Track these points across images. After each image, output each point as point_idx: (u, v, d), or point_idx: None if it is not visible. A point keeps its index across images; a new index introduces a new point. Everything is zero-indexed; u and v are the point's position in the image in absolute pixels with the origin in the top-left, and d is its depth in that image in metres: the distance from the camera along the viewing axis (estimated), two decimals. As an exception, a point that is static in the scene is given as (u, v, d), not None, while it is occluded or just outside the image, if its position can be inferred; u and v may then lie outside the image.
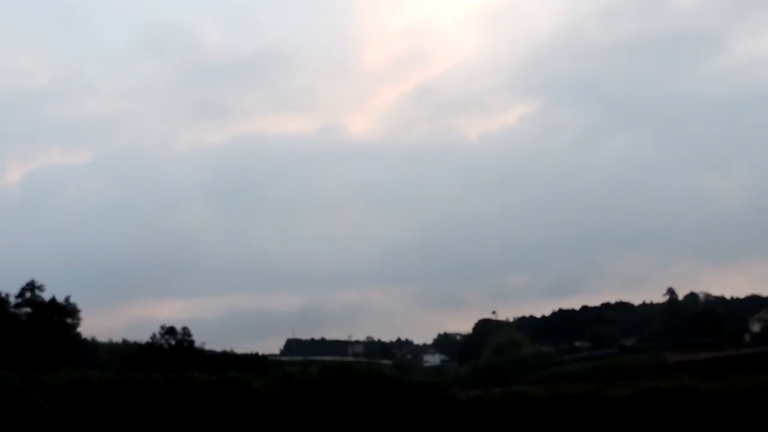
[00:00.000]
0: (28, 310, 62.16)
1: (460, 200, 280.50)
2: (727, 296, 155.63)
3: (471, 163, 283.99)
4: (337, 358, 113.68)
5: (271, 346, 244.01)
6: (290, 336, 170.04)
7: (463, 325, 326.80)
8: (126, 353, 69.60)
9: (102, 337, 70.79)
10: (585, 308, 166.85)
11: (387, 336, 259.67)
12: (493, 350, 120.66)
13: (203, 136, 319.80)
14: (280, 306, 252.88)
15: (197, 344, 75.08)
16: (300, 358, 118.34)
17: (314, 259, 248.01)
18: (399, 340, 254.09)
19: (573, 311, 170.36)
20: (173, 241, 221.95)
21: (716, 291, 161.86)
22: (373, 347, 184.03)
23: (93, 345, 59.12)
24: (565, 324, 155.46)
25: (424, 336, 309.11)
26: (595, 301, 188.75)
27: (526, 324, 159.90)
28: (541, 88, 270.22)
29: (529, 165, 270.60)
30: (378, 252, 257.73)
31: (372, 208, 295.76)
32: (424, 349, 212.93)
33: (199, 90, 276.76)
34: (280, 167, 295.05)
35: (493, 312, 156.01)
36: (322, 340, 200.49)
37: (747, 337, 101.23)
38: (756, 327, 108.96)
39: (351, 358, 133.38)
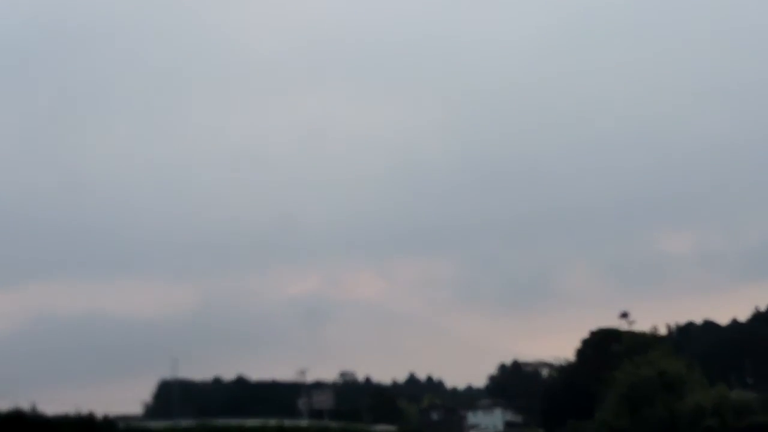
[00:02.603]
0: None
1: (551, 54, 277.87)
2: None
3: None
4: (271, 422, 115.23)
5: (127, 396, 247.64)
6: (167, 375, 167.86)
7: (552, 343, 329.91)
8: None
9: None
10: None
11: (385, 371, 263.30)
12: (624, 396, 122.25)
13: None
14: (145, 309, 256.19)
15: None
16: (189, 421, 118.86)
17: (218, 206, 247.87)
18: (414, 379, 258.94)
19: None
20: None
21: None
22: (354, 394, 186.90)
23: None
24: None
25: (468, 370, 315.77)
26: None
27: (694, 339, 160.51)
28: None
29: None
30: (364, 180, 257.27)
31: (355, 83, 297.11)
32: (470, 397, 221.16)
33: None
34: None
35: (623, 315, 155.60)
36: (240, 380, 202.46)
37: None
38: None
39: (304, 421, 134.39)
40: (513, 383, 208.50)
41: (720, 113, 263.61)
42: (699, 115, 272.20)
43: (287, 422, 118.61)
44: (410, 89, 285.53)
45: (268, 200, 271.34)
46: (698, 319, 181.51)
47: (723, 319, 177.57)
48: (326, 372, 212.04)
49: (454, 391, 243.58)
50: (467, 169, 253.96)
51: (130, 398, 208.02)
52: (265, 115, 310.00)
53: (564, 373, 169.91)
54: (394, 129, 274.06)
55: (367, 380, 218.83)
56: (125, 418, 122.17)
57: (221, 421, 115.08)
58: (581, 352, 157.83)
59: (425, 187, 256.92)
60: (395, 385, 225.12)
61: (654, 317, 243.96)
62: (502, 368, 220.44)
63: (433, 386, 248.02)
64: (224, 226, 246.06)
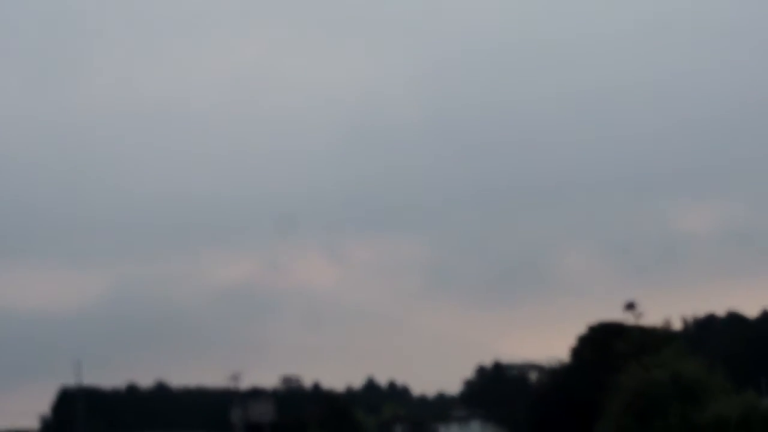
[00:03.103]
0: None
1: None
2: None
3: None
4: None
5: (20, 407, 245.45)
6: (70, 382, 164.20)
7: (543, 341, 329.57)
8: None
9: None
10: None
11: (338, 376, 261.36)
12: (630, 406, 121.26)
13: None
14: (42, 301, 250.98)
15: None
16: None
17: (131, 175, 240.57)
18: (373, 385, 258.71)
19: None
20: None
21: None
22: (300, 404, 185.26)
23: None
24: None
25: (440, 374, 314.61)
26: None
27: (716, 335, 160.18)
28: None
29: None
30: (313, 143, 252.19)
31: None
32: (441, 407, 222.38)
33: None
34: None
35: (630, 306, 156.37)
36: (160, 388, 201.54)
37: None
38: None
39: None
40: (494, 390, 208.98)
41: (747, 63, 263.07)
42: (721, 65, 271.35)
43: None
44: (372, 32, 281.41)
45: (192, 168, 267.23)
46: (721, 311, 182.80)
47: (751, 311, 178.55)
48: (265, 377, 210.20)
49: (423, 400, 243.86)
50: (441, 131, 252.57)
51: (23, 410, 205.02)
52: (187, 64, 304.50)
53: (556, 377, 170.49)
54: (350, 82, 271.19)
55: (316, 387, 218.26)
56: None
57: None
58: (577, 352, 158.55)
59: (389, 151, 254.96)
60: (350, 393, 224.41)
61: (667, 309, 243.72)
62: (481, 371, 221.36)
63: (397, 394, 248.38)
64: (138, 200, 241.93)
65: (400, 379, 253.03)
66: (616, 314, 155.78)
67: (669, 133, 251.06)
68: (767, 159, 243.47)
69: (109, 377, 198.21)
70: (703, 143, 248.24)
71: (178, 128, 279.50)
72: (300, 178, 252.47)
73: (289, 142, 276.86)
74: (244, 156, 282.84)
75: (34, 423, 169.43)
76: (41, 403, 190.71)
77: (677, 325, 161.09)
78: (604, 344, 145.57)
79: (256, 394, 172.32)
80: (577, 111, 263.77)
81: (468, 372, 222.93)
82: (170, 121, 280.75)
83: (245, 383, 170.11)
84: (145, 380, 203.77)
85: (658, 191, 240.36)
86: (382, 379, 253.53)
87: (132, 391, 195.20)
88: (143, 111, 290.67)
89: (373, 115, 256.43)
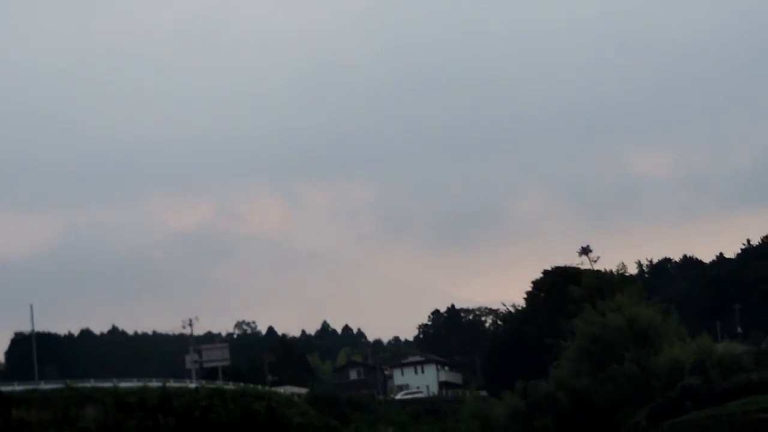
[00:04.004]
0: None
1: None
2: None
3: None
4: (152, 383, 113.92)
5: None
6: (23, 328, 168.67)
7: (498, 285, 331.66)
8: None
9: None
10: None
11: (293, 321, 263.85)
12: (585, 350, 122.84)
13: None
14: None
15: None
16: (51, 384, 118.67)
17: (81, 118, 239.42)
18: (327, 330, 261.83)
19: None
20: None
21: None
22: (255, 349, 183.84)
23: None
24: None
25: (395, 319, 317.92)
26: None
27: (672, 280, 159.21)
28: None
29: None
30: (267, 86, 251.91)
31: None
32: (396, 352, 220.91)
33: None
34: None
35: (585, 251, 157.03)
36: (114, 333, 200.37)
37: None
38: None
39: (193, 383, 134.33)
40: (449, 334, 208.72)
41: (702, 7, 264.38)
42: (678, 5, 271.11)
43: (172, 383, 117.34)
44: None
45: (144, 112, 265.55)
46: (676, 256, 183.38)
47: (706, 255, 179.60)
48: (220, 322, 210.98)
49: (378, 345, 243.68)
50: (395, 72, 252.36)
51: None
52: (141, 5, 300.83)
53: (512, 321, 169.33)
54: (304, 23, 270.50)
55: (270, 332, 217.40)
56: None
57: (91, 384, 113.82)
58: (532, 296, 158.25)
59: (343, 94, 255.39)
60: (305, 338, 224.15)
61: (622, 253, 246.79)
62: (436, 316, 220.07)
63: (351, 339, 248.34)
64: (89, 144, 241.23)
65: (355, 324, 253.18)
66: (571, 259, 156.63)
67: (625, 77, 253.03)
68: (723, 105, 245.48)
69: (63, 323, 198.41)
70: (659, 88, 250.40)
71: (130, 74, 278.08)
72: (253, 123, 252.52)
73: (242, 87, 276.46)
74: (197, 101, 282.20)
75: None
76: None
77: (632, 269, 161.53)
78: (559, 289, 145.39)
79: (210, 339, 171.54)
80: (531, 55, 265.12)
81: (423, 317, 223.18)
82: (122, 67, 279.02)
83: (200, 328, 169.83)
84: (99, 326, 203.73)
85: (614, 136, 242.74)
86: (337, 324, 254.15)
87: (86, 336, 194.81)
88: (95, 56, 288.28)
89: (330, 60, 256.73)
